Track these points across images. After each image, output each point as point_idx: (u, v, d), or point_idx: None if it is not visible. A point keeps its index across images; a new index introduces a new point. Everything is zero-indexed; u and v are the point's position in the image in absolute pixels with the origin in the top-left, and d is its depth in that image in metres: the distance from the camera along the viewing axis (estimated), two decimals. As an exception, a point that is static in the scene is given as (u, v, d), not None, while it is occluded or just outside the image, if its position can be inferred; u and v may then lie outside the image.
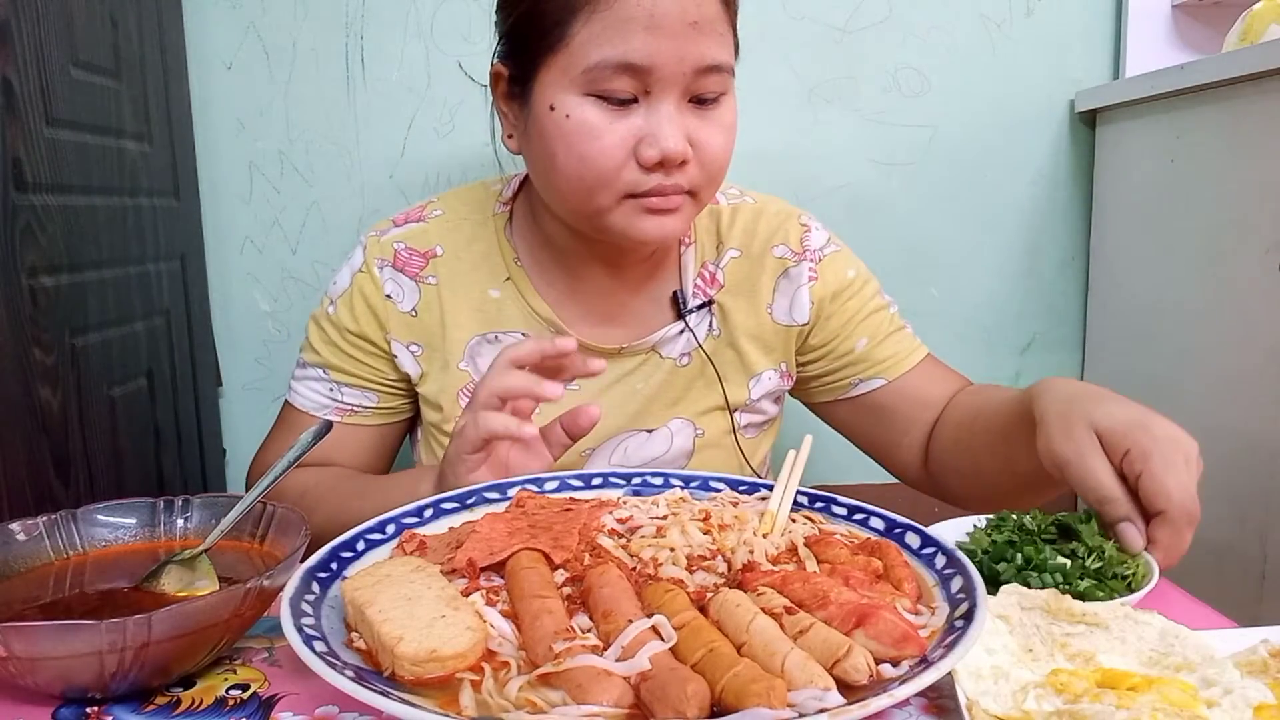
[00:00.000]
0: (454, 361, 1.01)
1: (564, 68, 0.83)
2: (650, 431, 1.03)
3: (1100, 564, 0.68)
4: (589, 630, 0.56)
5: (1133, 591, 0.67)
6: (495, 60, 0.93)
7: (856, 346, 1.06)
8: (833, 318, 1.06)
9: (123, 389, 1.48)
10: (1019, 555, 0.69)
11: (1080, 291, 1.99)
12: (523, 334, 1.01)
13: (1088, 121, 1.93)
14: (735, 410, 1.06)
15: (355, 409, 1.05)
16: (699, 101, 0.86)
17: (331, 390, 1.04)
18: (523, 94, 0.89)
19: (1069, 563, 0.68)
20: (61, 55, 1.31)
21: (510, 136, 0.92)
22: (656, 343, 1.03)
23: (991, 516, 0.76)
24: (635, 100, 0.84)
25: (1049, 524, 0.74)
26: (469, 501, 0.79)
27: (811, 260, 1.05)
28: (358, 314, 1.01)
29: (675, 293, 1.02)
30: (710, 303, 1.04)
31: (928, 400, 1.05)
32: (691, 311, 1.02)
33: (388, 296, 1.01)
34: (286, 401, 1.07)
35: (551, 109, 0.85)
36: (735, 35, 0.90)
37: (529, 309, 1.01)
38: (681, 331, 1.03)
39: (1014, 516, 0.75)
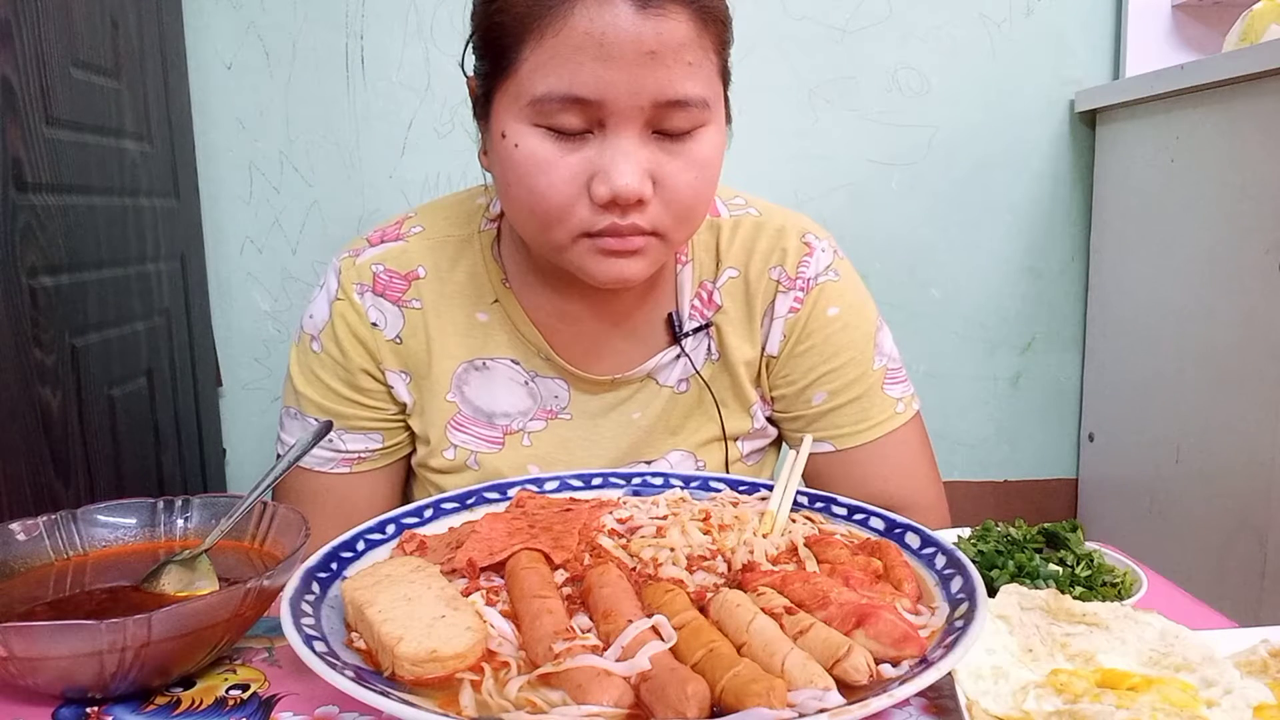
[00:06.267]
0: (441, 393, 0.94)
1: (514, 95, 0.76)
2: (649, 463, 0.97)
3: (1090, 572, 0.69)
4: (589, 630, 0.56)
5: (1122, 599, 0.66)
6: (468, 73, 0.85)
7: (814, 399, 0.95)
8: (798, 357, 0.95)
9: (123, 389, 1.48)
10: (1010, 563, 0.69)
11: (1080, 291, 1.99)
12: (512, 360, 0.94)
13: (1088, 121, 1.93)
14: (736, 439, 0.98)
15: (362, 455, 0.95)
16: (666, 134, 0.77)
17: (331, 440, 0.94)
18: (485, 115, 0.82)
19: (1060, 570, 0.69)
20: (61, 55, 1.31)
21: (485, 153, 0.85)
22: (652, 369, 0.95)
23: (976, 527, 0.76)
24: (590, 131, 0.76)
25: (1035, 534, 0.74)
26: (469, 501, 0.79)
27: (801, 289, 0.94)
28: (345, 347, 0.92)
29: (671, 315, 0.95)
30: (708, 325, 0.95)
31: (866, 490, 0.92)
32: (687, 335, 0.94)
33: (374, 325, 0.92)
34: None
35: (503, 136, 0.78)
36: (723, 60, 0.80)
37: (518, 334, 0.94)
38: (678, 356, 0.95)
39: (998, 527, 0.75)
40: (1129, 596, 0.67)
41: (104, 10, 1.44)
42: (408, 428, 0.97)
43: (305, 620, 0.56)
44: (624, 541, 0.70)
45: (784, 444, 1.03)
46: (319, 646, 0.53)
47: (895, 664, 0.52)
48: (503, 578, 0.63)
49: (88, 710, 0.56)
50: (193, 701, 0.57)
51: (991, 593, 0.63)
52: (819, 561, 0.67)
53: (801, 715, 0.46)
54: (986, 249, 1.97)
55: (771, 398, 0.99)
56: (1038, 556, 0.70)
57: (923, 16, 1.88)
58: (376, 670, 0.53)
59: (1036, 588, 0.66)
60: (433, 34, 1.84)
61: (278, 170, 1.87)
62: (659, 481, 0.84)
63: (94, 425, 1.38)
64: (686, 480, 0.84)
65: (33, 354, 1.23)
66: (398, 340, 0.93)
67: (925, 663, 0.51)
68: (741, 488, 0.82)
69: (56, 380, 1.28)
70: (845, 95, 1.90)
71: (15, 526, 0.67)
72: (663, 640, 0.53)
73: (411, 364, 0.94)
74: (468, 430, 0.94)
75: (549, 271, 0.91)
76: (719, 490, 0.82)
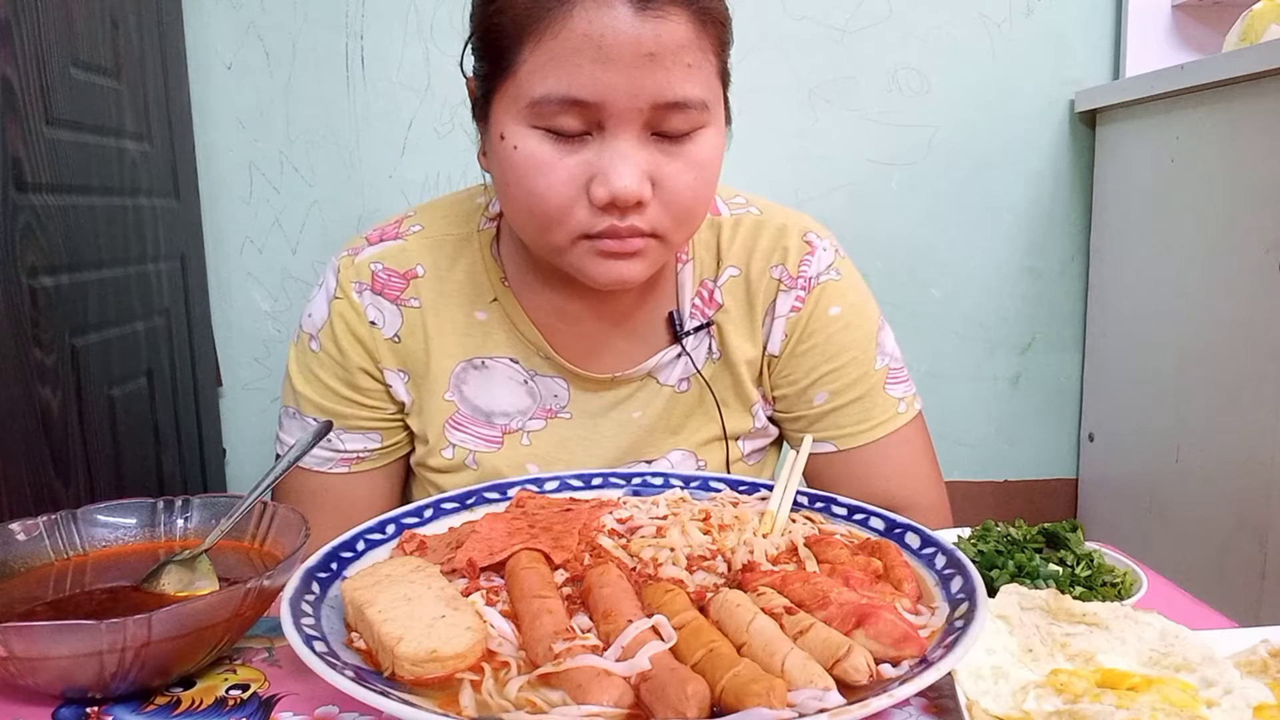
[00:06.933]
0: (440, 392, 0.93)
1: (513, 97, 0.76)
2: (649, 463, 0.96)
3: (1090, 572, 0.69)
4: (589, 630, 0.56)
5: (1123, 599, 0.66)
6: (467, 74, 0.85)
7: (815, 399, 0.95)
8: (800, 356, 0.95)
9: (123, 389, 1.48)
10: (1010, 563, 0.69)
11: (1080, 292, 1.99)
12: (511, 359, 0.94)
13: (1088, 121, 1.93)
14: (737, 438, 0.98)
15: (361, 455, 0.95)
16: (665, 136, 0.77)
17: (330, 440, 0.94)
18: (484, 116, 0.81)
19: (1060, 570, 0.69)
20: (61, 55, 1.31)
21: (484, 154, 0.84)
22: (653, 368, 0.95)
23: (976, 527, 0.76)
24: (589, 133, 0.76)
25: (1035, 534, 0.74)
26: (469, 501, 0.79)
27: (802, 288, 0.94)
28: (344, 346, 0.92)
29: (671, 314, 0.94)
30: (709, 324, 0.95)
31: (868, 490, 0.92)
32: (688, 334, 0.94)
33: (372, 323, 0.92)
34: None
35: (502, 138, 0.77)
36: (722, 62, 0.80)
37: (517, 333, 0.93)
38: (679, 355, 0.95)
39: (998, 527, 0.75)
40: (1129, 596, 0.67)
41: (104, 10, 1.44)
42: (406, 427, 0.97)
43: (305, 620, 0.56)
44: (624, 541, 0.70)
45: (784, 444, 1.03)
46: (319, 646, 0.53)
47: (895, 664, 0.52)
48: (503, 578, 0.63)
49: (88, 710, 0.56)
50: (193, 701, 0.57)
51: (991, 593, 0.63)
52: (819, 561, 0.67)
53: (801, 715, 0.46)
54: (986, 249, 1.97)
55: (773, 397, 0.98)
56: (1038, 556, 0.70)
57: (923, 16, 1.88)
58: (376, 670, 0.53)
59: (1036, 588, 0.66)
60: (433, 34, 1.84)
61: (278, 170, 1.87)
62: (659, 481, 0.84)
63: (94, 425, 1.38)
64: (686, 480, 0.84)
65: (33, 354, 1.23)
66: (396, 339, 0.93)
67: (925, 663, 0.51)
68: (741, 488, 0.82)
69: (56, 380, 1.28)
70: (845, 95, 1.90)
71: (15, 526, 0.67)
72: (663, 640, 0.53)
73: (410, 363, 0.94)
74: (466, 429, 0.94)
75: (548, 271, 0.90)
76: (719, 490, 0.82)
